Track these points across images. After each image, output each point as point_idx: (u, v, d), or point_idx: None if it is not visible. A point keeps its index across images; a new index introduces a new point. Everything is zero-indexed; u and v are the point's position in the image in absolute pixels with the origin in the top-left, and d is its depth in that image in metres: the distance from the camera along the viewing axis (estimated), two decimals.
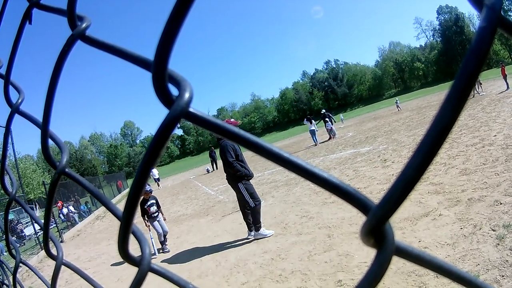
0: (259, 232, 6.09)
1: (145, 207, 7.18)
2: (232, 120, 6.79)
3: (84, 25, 0.47)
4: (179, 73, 0.31)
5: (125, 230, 0.34)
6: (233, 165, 5.93)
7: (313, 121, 22.04)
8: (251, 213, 6.12)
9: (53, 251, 0.79)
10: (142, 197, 5.88)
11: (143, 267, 0.39)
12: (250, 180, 6.24)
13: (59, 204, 20.37)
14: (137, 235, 0.42)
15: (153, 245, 7.08)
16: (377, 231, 0.24)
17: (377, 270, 0.23)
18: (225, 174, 6.34)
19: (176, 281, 0.42)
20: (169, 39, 0.28)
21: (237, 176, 6.02)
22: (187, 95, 0.29)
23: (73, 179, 0.56)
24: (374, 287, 0.23)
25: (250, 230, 6.17)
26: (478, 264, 3.28)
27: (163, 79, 0.29)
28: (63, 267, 0.78)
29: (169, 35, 0.28)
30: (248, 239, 6.17)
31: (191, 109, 0.29)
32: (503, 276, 2.98)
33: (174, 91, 0.30)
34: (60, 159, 0.58)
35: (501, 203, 4.42)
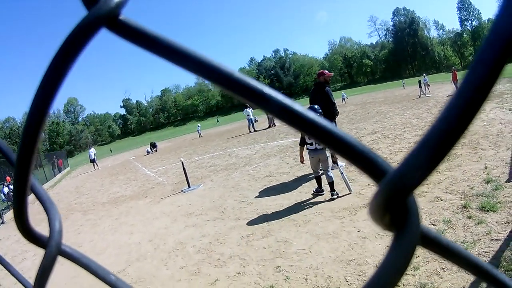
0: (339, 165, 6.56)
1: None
2: (326, 71, 7.38)
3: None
4: None
5: (20, 194, 0.24)
6: (335, 105, 7.38)
7: (250, 109, 23.33)
8: None
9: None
10: None
11: (50, 249, 0.29)
12: None
13: None
14: (44, 202, 0.31)
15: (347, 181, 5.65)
16: (396, 205, 0.16)
17: (399, 261, 0.15)
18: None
19: (93, 270, 0.31)
20: None
21: (333, 115, 7.28)
22: None
23: None
24: (396, 283, 0.15)
25: (335, 163, 6.50)
26: (418, 256, 3.34)
27: None
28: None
29: None
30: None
31: (121, 17, 0.19)
32: (443, 268, 3.08)
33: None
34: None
35: (441, 200, 4.61)
